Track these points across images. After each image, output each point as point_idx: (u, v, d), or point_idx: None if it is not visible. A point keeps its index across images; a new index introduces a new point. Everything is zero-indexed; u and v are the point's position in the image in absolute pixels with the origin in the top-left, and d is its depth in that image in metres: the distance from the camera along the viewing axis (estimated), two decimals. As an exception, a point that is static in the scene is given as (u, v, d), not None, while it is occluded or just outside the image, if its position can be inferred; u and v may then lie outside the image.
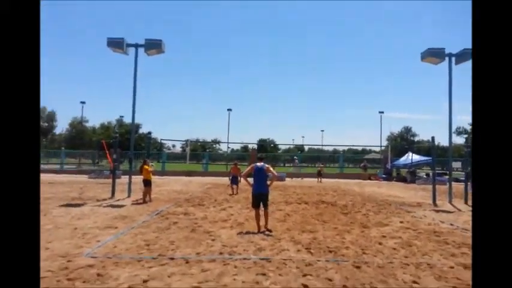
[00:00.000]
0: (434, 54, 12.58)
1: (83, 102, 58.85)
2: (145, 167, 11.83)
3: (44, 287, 3.84)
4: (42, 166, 23.24)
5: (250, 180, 7.43)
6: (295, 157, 34.73)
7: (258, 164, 7.33)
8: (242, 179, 8.34)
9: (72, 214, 8.78)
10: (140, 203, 11.02)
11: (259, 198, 7.12)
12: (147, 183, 11.54)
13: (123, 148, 24.12)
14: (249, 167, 7.62)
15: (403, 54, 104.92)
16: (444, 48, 12.57)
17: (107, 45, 12.35)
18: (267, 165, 7.30)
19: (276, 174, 7.34)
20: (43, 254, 5.01)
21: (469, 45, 12.11)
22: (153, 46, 12.67)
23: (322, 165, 28.02)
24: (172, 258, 5.07)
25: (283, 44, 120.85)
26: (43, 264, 4.52)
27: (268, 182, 7.30)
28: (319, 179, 24.39)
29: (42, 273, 4.16)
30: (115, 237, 6.35)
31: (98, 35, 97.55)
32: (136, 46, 12.78)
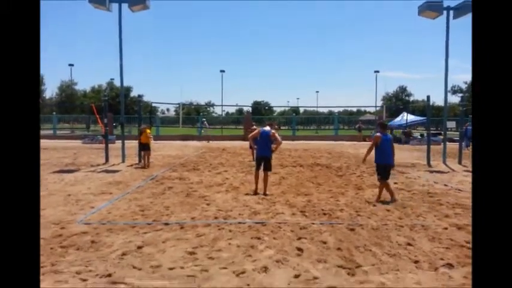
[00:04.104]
0: (432, 8, 12.14)
1: (71, 65, 57.13)
2: (148, 131, 11.80)
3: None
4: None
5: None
6: (203, 119, 31.16)
7: (265, 128, 7.41)
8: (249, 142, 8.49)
9: (65, 180, 8.71)
10: (139, 167, 11.10)
11: (262, 161, 7.29)
12: (147, 147, 11.49)
13: (115, 112, 23.66)
14: (256, 131, 7.71)
15: (398, 11, 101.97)
16: (442, 1, 12.14)
17: (88, 1, 11.60)
18: (272, 131, 7.37)
19: (280, 140, 7.50)
20: (36, 221, 4.95)
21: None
22: (138, 1, 11.96)
23: (277, 127, 24.56)
24: (167, 224, 5.05)
25: (277, 3, 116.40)
26: (36, 232, 4.47)
27: (273, 147, 7.42)
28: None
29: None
30: (109, 203, 6.31)
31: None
32: (120, 1, 12.07)
